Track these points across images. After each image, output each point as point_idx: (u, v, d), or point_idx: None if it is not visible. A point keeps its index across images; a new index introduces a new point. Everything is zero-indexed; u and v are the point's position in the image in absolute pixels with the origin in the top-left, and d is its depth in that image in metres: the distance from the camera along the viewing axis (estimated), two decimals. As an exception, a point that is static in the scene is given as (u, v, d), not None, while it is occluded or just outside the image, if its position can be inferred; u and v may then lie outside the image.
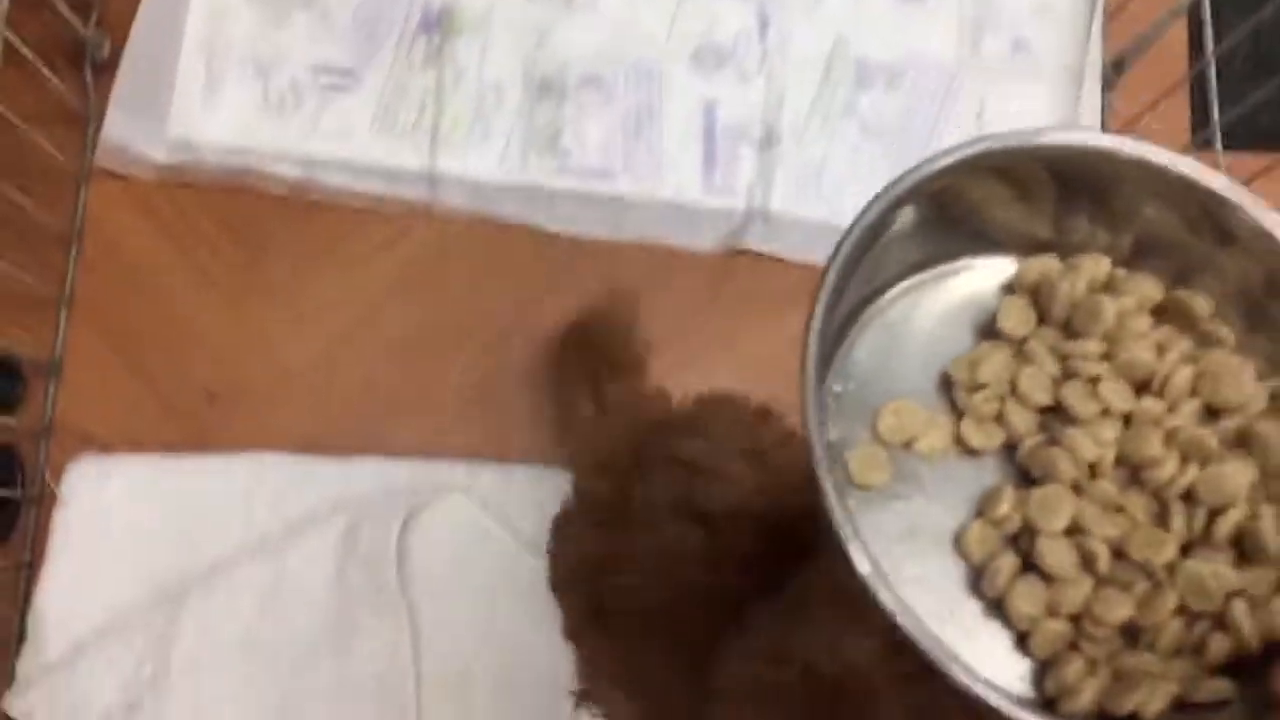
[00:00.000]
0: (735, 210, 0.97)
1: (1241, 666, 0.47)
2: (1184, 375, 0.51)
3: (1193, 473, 0.49)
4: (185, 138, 0.97)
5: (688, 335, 0.96)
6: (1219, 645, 0.47)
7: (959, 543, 0.52)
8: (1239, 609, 0.46)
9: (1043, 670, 0.49)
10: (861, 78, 0.99)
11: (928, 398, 0.55)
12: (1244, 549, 0.48)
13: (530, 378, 0.95)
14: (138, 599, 0.89)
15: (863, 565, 0.45)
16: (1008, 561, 0.50)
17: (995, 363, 0.54)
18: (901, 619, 0.44)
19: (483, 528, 0.91)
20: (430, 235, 0.99)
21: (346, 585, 0.89)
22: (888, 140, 0.98)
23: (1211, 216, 0.52)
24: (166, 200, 0.99)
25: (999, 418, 0.54)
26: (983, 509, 0.52)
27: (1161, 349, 0.52)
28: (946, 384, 0.56)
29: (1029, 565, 0.50)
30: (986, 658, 0.49)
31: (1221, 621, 0.47)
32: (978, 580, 0.51)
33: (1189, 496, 0.49)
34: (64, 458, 0.92)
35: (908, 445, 0.54)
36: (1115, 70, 0.99)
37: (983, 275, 0.58)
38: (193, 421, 0.95)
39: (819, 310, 0.49)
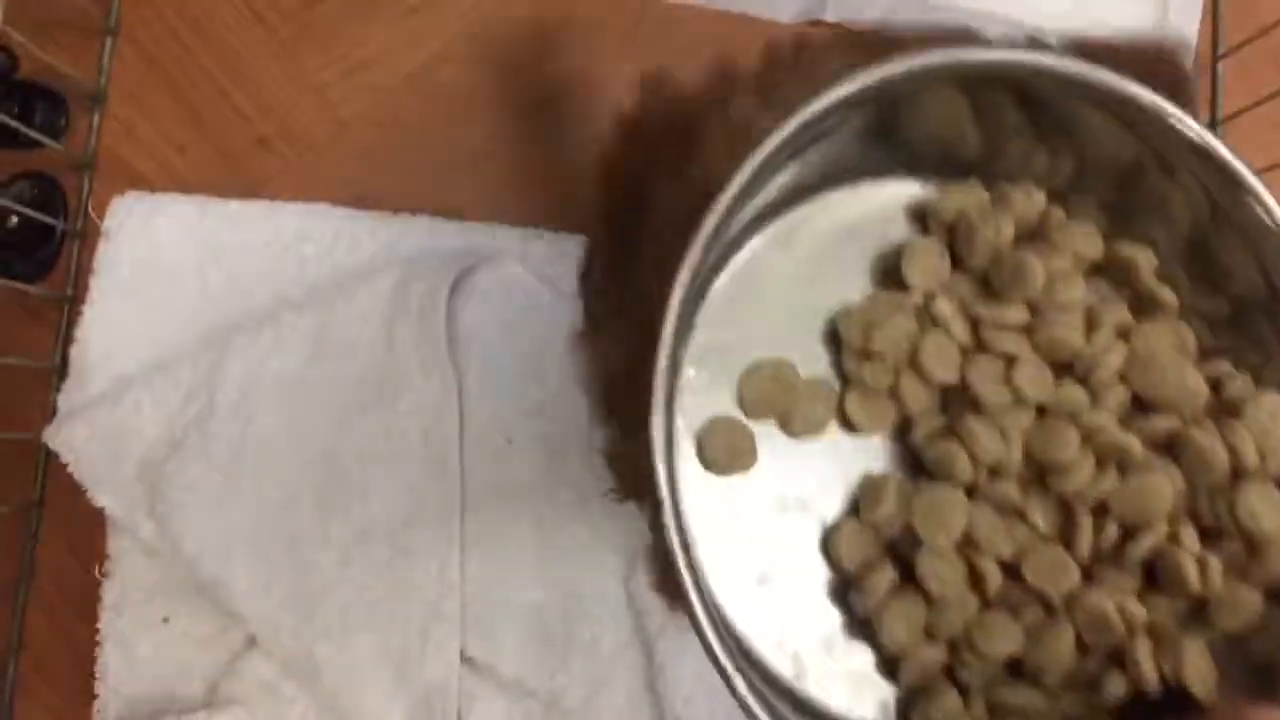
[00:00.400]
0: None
1: (1138, 712, 0.40)
2: (1113, 361, 0.43)
3: (1109, 482, 0.41)
4: None
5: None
6: (1115, 686, 0.40)
7: (828, 543, 0.45)
8: (1141, 648, 0.39)
9: (909, 700, 0.43)
10: None
11: (810, 351, 0.46)
12: (1157, 576, 0.41)
13: (593, 149, 0.92)
14: (184, 339, 0.88)
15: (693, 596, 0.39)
16: (885, 576, 0.43)
17: (894, 328, 0.45)
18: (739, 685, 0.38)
19: (534, 294, 0.89)
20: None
21: (394, 339, 0.87)
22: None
23: (1154, 141, 0.43)
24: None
25: (892, 392, 0.45)
26: (861, 505, 0.44)
27: (1092, 323, 0.43)
28: (834, 337, 0.47)
29: (908, 576, 0.43)
30: (843, 679, 0.43)
31: (1120, 659, 0.40)
32: (845, 589, 0.44)
33: (1102, 509, 0.42)
34: (108, 192, 0.90)
35: (780, 422, 0.46)
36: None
37: (888, 197, 0.47)
38: (241, 166, 0.92)
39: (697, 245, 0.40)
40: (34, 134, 0.87)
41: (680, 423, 0.45)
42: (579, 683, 0.85)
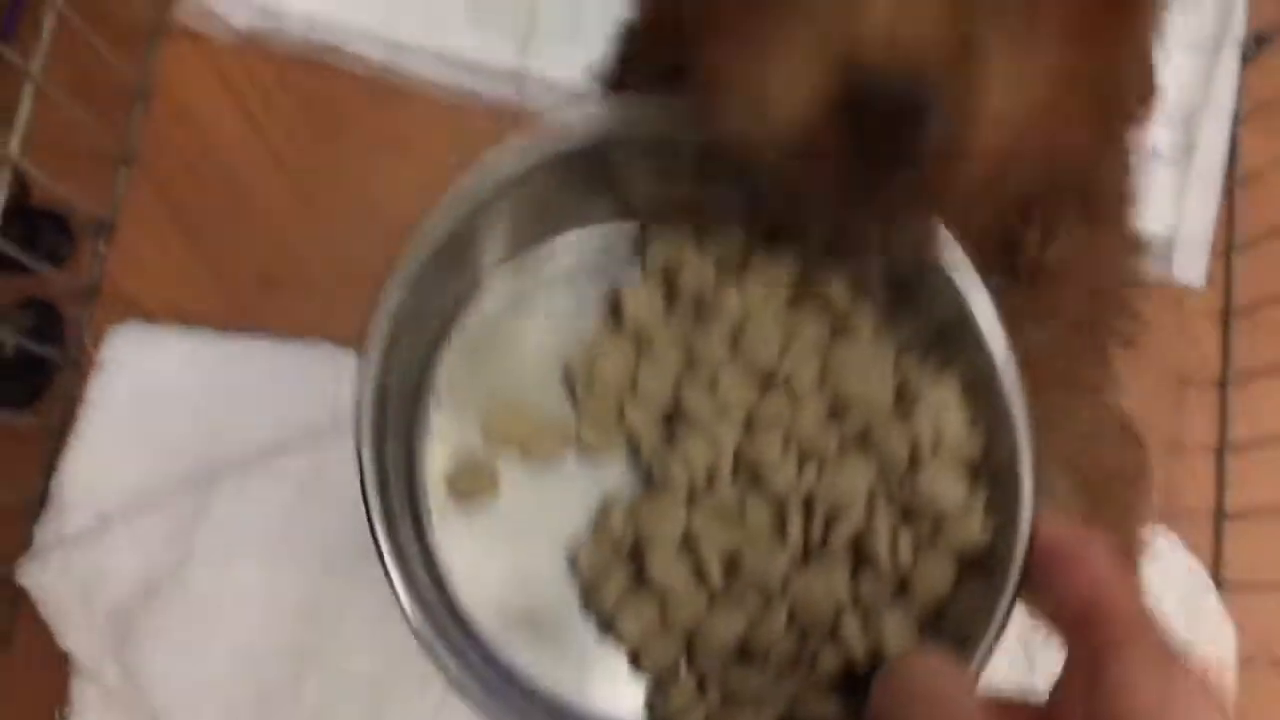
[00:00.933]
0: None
1: (855, 684, 0.43)
2: (809, 370, 0.47)
3: (810, 477, 0.45)
4: (269, 4, 0.92)
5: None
6: (829, 661, 0.44)
7: (574, 561, 0.49)
8: (850, 624, 0.43)
9: (654, 691, 0.47)
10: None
11: (550, 388, 0.51)
12: (860, 557, 0.45)
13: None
14: (170, 477, 0.85)
15: (415, 619, 0.47)
16: (618, 578, 0.47)
17: (614, 358, 0.50)
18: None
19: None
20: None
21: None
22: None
23: None
24: (244, 70, 0.94)
25: (619, 417, 0.50)
26: (597, 521, 0.49)
27: (789, 341, 0.47)
28: (569, 373, 0.52)
29: (643, 581, 0.47)
30: (603, 684, 0.47)
31: (834, 636, 0.44)
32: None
33: (808, 503, 0.45)
34: (107, 322, 0.88)
35: (522, 450, 0.50)
36: (1257, 44, 0.93)
37: (610, 240, 0.53)
38: (245, 303, 0.90)
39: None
40: (35, 263, 0.85)
41: (429, 463, 0.51)
42: None
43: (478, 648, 0.49)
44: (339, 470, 0.84)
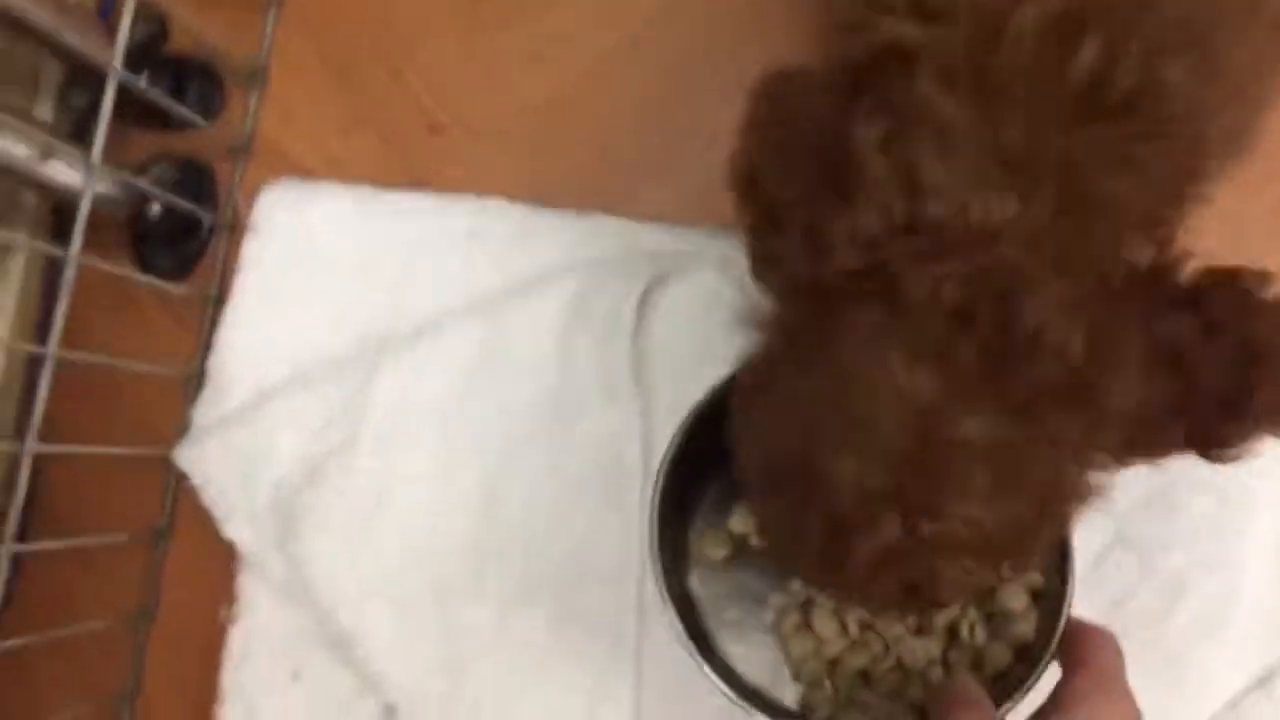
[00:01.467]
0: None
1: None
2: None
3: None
4: None
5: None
6: (917, 693, 0.64)
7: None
8: (935, 673, 0.64)
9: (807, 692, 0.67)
10: None
11: None
12: (952, 636, 0.65)
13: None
14: (332, 351, 0.76)
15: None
16: (792, 619, 0.67)
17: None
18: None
19: (734, 308, 0.74)
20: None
21: (572, 356, 0.73)
22: None
23: None
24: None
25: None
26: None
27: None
28: None
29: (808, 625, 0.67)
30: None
31: (925, 679, 0.65)
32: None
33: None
34: (263, 181, 0.79)
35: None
36: None
37: None
38: (410, 154, 0.80)
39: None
40: (186, 113, 0.77)
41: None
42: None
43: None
44: (514, 343, 0.74)
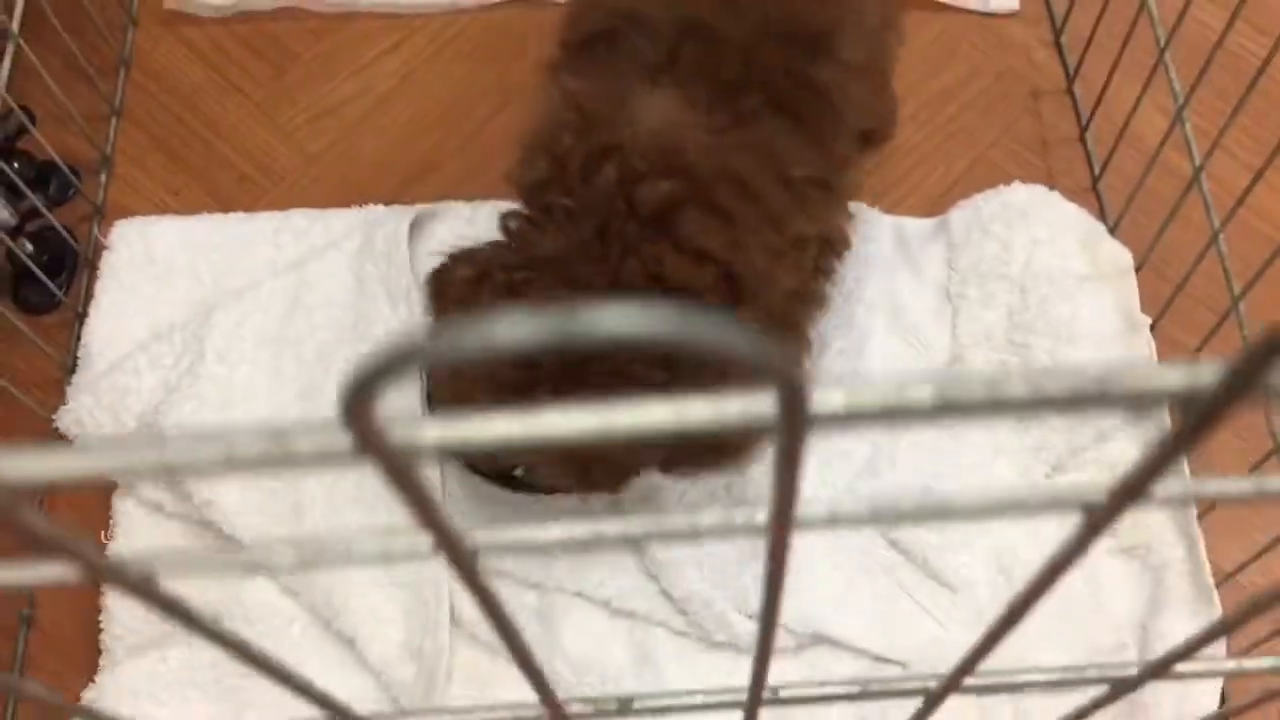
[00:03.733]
0: None
1: None
2: None
3: None
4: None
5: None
6: None
7: None
8: None
9: None
10: None
11: None
12: None
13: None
14: (177, 316, 0.98)
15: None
16: None
17: None
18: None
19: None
20: (438, 26, 1.12)
21: (364, 281, 0.97)
22: None
23: None
24: (202, 36, 1.14)
25: None
26: None
27: None
28: None
29: None
30: None
31: None
32: None
33: None
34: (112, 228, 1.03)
35: None
36: None
37: None
38: (226, 200, 1.06)
39: None
40: (40, 203, 1.02)
41: None
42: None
43: None
44: (318, 280, 0.98)
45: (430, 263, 0.97)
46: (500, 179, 1.01)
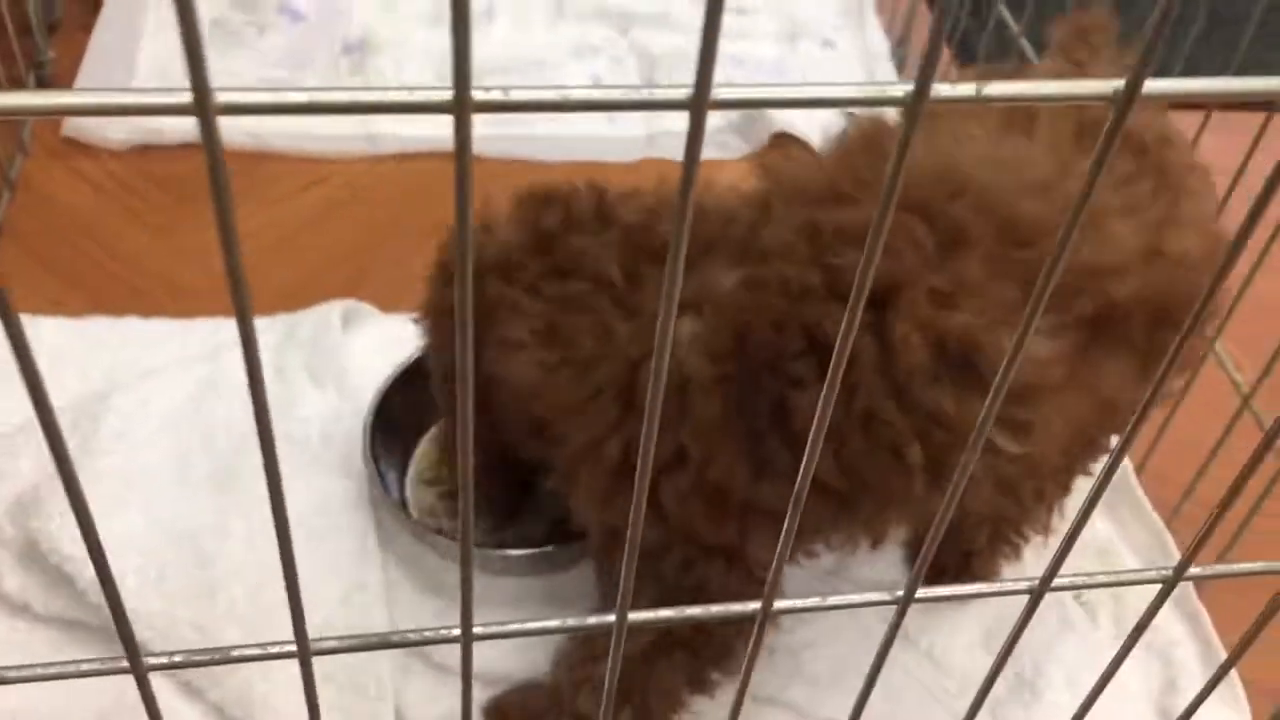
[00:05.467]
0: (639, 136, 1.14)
1: None
2: None
3: None
4: (144, 125, 1.08)
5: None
6: None
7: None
8: None
9: None
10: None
11: None
12: None
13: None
14: (61, 403, 0.85)
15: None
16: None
17: None
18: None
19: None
20: (358, 171, 1.09)
21: (284, 369, 0.88)
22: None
23: None
24: (97, 169, 1.07)
25: None
26: None
27: None
28: None
29: None
30: None
31: None
32: None
33: None
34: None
35: None
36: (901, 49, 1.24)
37: None
38: (118, 310, 0.96)
39: None
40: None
41: None
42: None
43: None
44: (233, 374, 0.88)
45: (357, 360, 0.90)
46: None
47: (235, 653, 0.38)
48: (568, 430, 0.63)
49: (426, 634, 0.38)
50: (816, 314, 0.56)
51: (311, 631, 0.70)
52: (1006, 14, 1.06)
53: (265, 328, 0.92)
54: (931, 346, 0.57)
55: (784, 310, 0.57)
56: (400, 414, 0.84)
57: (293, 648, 0.37)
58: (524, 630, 0.38)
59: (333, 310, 0.91)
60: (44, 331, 0.91)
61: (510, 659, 0.76)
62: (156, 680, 0.69)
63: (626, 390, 0.60)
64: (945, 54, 1.22)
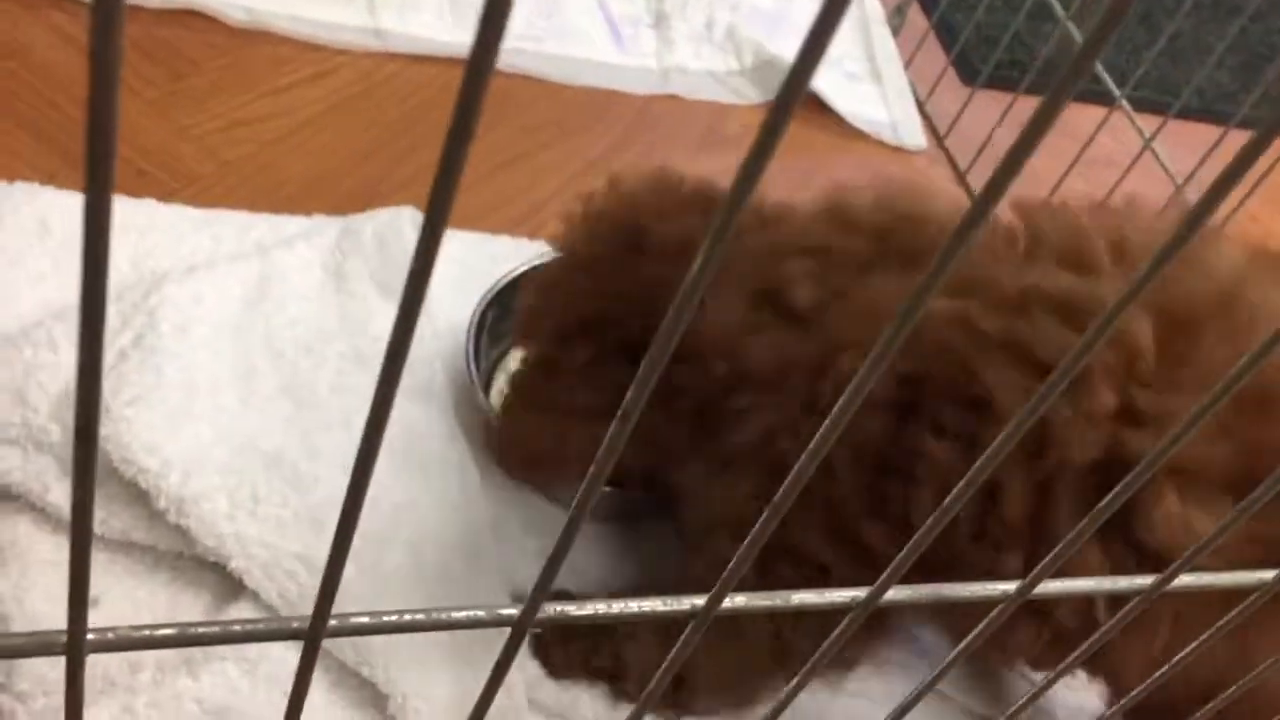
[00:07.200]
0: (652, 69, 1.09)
1: None
2: None
3: None
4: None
5: (617, 164, 1.01)
6: None
7: None
8: None
9: None
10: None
11: None
12: None
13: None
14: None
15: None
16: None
17: None
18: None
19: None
20: (368, 66, 1.00)
21: (345, 276, 0.79)
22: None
23: None
24: (74, 24, 0.94)
25: None
26: None
27: None
28: None
29: None
30: None
31: None
32: None
33: None
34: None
35: None
36: (898, 16, 1.24)
37: None
38: (126, 192, 0.84)
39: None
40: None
41: None
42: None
43: None
44: (290, 271, 0.79)
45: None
46: (466, 215, 0.89)
47: (449, 614, 0.30)
48: (749, 406, 0.60)
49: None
50: (997, 375, 0.53)
51: (427, 568, 0.65)
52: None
53: (308, 228, 0.84)
54: (1098, 457, 0.52)
55: (972, 356, 0.54)
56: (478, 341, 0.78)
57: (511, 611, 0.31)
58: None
59: (401, 216, 0.83)
60: (55, 205, 0.79)
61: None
62: (253, 614, 0.63)
63: (818, 373, 0.56)
64: (945, 68, 1.23)
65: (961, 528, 0.53)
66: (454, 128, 0.18)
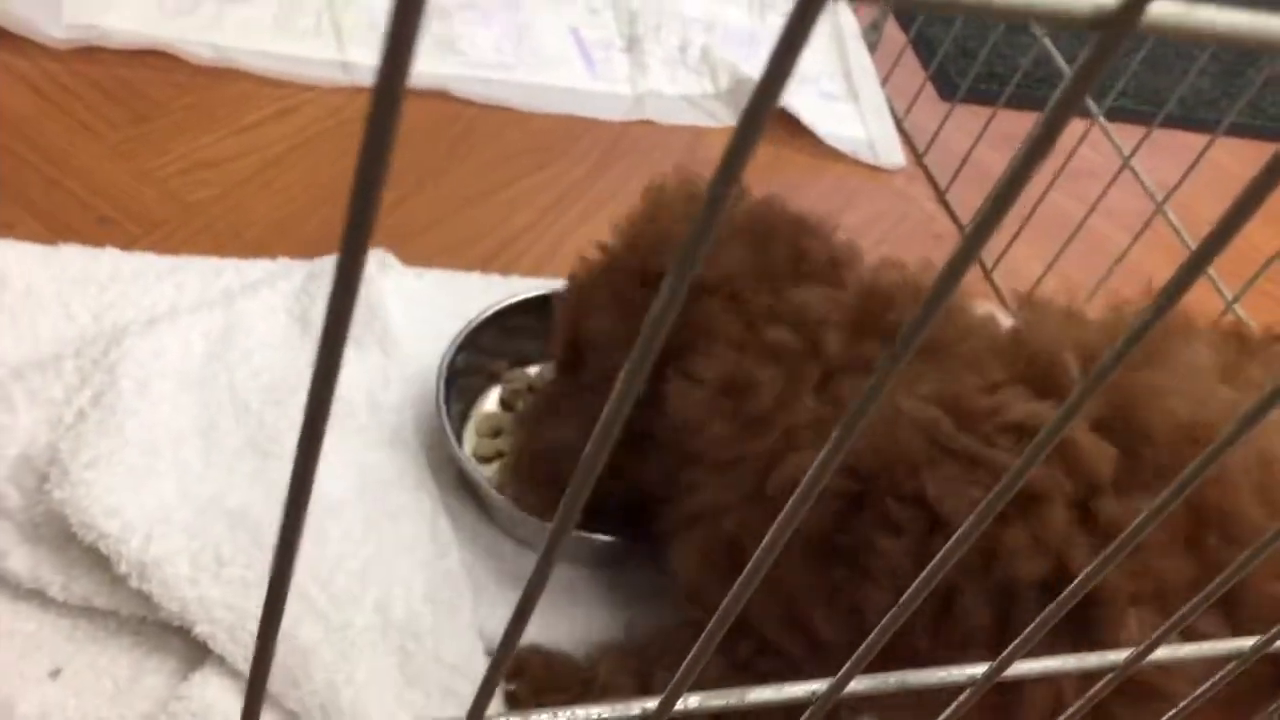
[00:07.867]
0: (626, 95, 1.08)
1: None
2: None
3: None
4: (85, 23, 0.94)
5: (592, 194, 1.00)
6: None
7: None
8: None
9: None
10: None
11: None
12: None
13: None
14: (55, 346, 0.72)
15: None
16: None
17: None
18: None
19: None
20: (337, 101, 0.99)
21: (311, 323, 0.78)
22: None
23: None
24: (34, 69, 0.92)
25: None
26: None
27: None
28: None
29: None
30: None
31: None
32: None
33: None
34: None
35: None
36: (874, 31, 1.23)
37: None
38: (86, 240, 0.83)
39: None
40: None
41: None
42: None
43: None
44: (253, 319, 0.78)
45: (397, 312, 0.81)
46: (435, 252, 0.88)
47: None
48: (702, 481, 0.60)
49: None
50: (945, 478, 0.52)
51: (396, 625, 0.64)
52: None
53: (277, 272, 0.82)
54: (1047, 574, 0.51)
55: (925, 454, 0.53)
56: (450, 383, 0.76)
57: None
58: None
59: (369, 257, 0.81)
60: (10, 257, 0.77)
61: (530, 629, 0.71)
62: (218, 680, 0.62)
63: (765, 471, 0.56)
64: (924, 84, 1.22)
65: (919, 626, 0.52)
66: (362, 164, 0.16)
